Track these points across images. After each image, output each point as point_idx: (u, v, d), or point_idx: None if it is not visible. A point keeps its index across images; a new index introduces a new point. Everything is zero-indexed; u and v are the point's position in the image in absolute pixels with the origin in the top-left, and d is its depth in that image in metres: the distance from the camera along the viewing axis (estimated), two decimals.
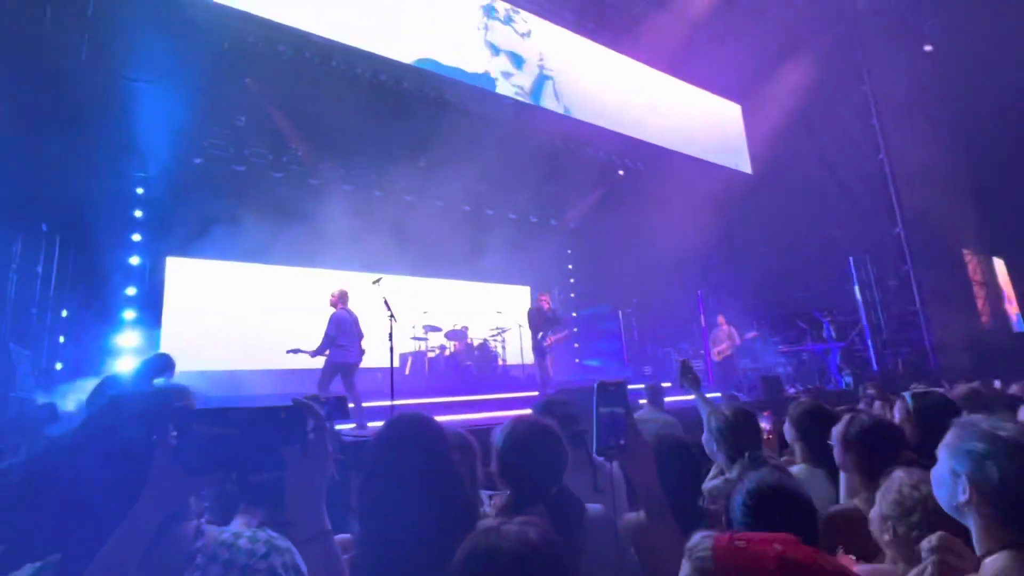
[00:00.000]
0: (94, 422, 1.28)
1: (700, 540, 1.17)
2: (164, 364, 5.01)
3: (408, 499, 1.62)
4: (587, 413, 1.81)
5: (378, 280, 7.98)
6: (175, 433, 1.14)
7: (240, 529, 1.38)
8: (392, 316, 7.13)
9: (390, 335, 7.09)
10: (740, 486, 1.79)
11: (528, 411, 2.66)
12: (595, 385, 1.75)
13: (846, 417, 2.56)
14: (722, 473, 2.80)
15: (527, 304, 14.74)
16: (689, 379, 3.57)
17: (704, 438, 2.89)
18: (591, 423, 1.75)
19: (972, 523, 1.52)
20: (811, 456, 2.81)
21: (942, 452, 1.61)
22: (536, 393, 8.68)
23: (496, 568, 1.20)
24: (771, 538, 1.13)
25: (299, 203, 10.14)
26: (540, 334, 9.09)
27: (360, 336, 7.49)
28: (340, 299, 7.61)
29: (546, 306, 9.39)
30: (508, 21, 11.57)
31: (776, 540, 1.13)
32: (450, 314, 12.88)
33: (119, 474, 1.19)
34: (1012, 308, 14.85)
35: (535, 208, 14.20)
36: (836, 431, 2.55)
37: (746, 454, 2.52)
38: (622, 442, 1.69)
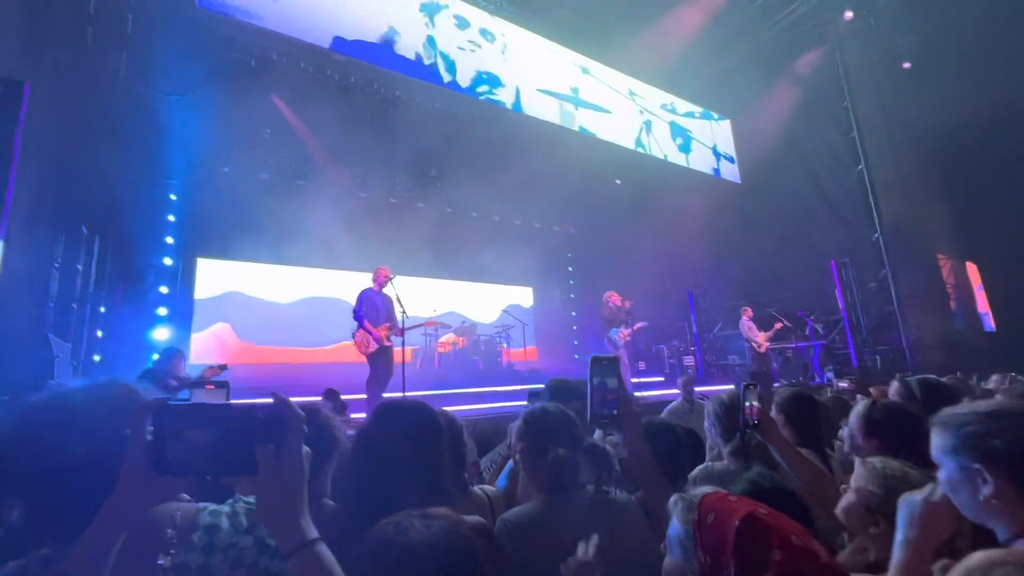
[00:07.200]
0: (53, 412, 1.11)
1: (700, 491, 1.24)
2: (173, 355, 4.93)
3: (393, 483, 1.52)
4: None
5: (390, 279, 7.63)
6: (151, 429, 0.94)
7: (217, 506, 1.22)
8: (404, 312, 6.99)
9: (402, 330, 6.97)
10: (733, 487, 1.63)
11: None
12: (589, 358, 1.69)
13: (866, 401, 2.25)
14: (719, 457, 2.67)
15: (530, 302, 14.62)
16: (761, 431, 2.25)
17: (705, 425, 2.74)
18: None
19: (996, 514, 1.31)
20: (798, 440, 2.69)
21: (941, 456, 1.41)
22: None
23: (398, 565, 1.05)
24: (755, 504, 1.15)
25: (319, 208, 10.07)
26: (613, 330, 9.06)
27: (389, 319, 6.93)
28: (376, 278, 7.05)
29: (618, 302, 9.20)
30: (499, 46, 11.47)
31: (760, 506, 1.15)
32: (458, 310, 12.80)
33: (86, 465, 1.04)
34: (983, 309, 14.59)
35: (538, 214, 14.07)
36: (856, 415, 2.22)
37: (738, 433, 2.39)
38: (615, 412, 1.65)
